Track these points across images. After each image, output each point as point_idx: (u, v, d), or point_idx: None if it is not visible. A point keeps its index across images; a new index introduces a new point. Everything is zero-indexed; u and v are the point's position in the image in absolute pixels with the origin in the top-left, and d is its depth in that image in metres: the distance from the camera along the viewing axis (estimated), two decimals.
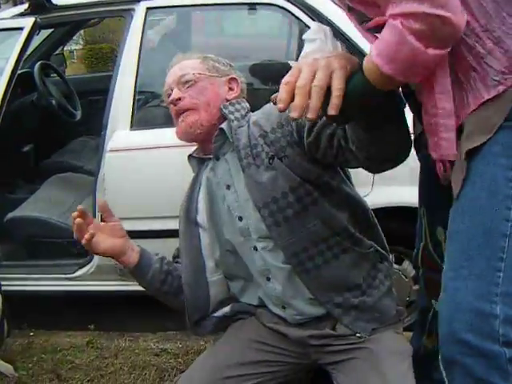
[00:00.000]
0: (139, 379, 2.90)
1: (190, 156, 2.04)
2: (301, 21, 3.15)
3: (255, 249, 1.89)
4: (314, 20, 3.08)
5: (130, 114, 3.16)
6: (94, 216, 3.27)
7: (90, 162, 4.15)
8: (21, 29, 2.95)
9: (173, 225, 2.92)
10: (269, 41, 4.68)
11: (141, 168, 3.08)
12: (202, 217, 1.99)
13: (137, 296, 3.39)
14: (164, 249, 3.12)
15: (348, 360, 1.86)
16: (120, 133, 3.16)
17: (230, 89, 2.00)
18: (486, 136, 1.27)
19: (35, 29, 2.97)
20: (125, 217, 3.15)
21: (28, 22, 2.97)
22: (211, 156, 1.95)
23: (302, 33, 3.15)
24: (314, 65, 1.25)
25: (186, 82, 1.93)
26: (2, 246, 3.61)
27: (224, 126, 1.90)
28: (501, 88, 1.29)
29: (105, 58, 13.04)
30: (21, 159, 4.25)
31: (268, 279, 1.91)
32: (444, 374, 1.33)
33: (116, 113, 3.18)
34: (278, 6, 3.20)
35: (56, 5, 3.41)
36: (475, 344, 1.24)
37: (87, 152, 4.44)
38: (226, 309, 2.04)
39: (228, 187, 1.92)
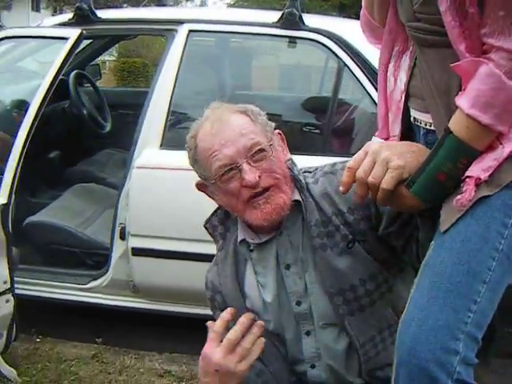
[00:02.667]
0: None
1: (242, 241, 1.71)
2: (339, 58, 3.17)
3: (307, 334, 1.70)
4: (351, 57, 3.10)
5: (161, 133, 3.18)
6: (114, 229, 3.28)
7: (113, 174, 4.18)
8: (66, 38, 2.98)
9: (191, 248, 2.96)
10: (303, 73, 4.70)
11: (166, 188, 3.09)
12: (251, 301, 1.74)
13: (147, 314, 3.40)
14: (180, 271, 3.14)
15: None
16: (149, 151, 3.18)
17: (281, 147, 1.72)
18: (494, 190, 1.31)
19: (80, 40, 3.01)
20: (144, 234, 3.18)
21: (74, 33, 3.00)
22: (267, 237, 1.68)
23: (339, 69, 3.18)
24: (375, 155, 1.37)
25: (259, 154, 1.60)
26: (18, 248, 3.61)
27: (297, 196, 1.66)
28: None
29: (136, 73, 13.15)
30: (46, 164, 4.26)
31: (313, 367, 1.73)
32: None
33: (147, 130, 3.20)
34: (317, 42, 3.22)
35: (100, 17, 3.46)
36: (434, 375, 1.27)
37: (112, 165, 4.48)
38: None
39: (287, 267, 1.68)
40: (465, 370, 1.28)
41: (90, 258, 3.65)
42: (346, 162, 1.64)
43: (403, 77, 1.58)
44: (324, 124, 3.43)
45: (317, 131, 3.61)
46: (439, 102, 1.40)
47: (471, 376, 1.31)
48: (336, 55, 3.19)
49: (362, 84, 3.11)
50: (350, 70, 3.14)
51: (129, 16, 3.63)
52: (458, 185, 1.33)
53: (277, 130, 1.73)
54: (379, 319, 1.68)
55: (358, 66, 3.11)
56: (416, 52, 1.49)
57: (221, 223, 1.79)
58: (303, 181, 1.68)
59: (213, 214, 1.80)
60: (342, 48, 3.15)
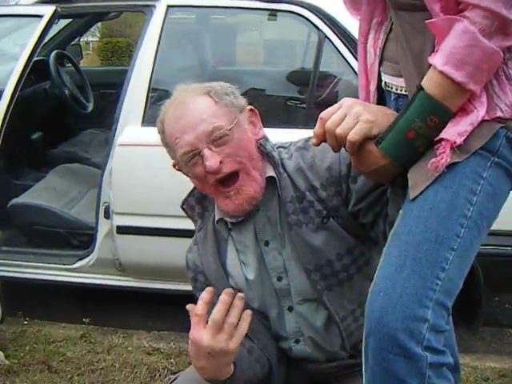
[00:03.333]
0: (130, 377, 2.87)
1: (219, 221, 1.70)
2: (320, 30, 3.14)
3: (290, 309, 1.71)
4: (332, 29, 3.08)
5: (143, 110, 3.16)
6: (98, 209, 3.27)
7: (97, 154, 4.16)
8: (40, 16, 2.95)
9: (176, 224, 2.94)
10: (286, 47, 4.68)
11: (149, 165, 3.07)
12: (234, 280, 1.73)
13: (133, 292, 3.40)
14: (165, 247, 3.14)
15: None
16: (131, 128, 3.15)
17: (253, 124, 1.68)
18: (463, 157, 1.29)
19: (55, 17, 2.97)
20: (129, 212, 3.17)
21: (48, 11, 2.96)
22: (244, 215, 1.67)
23: (320, 42, 3.15)
24: (348, 109, 1.34)
25: (220, 139, 1.57)
26: (3, 231, 3.60)
27: (272, 173, 1.64)
28: (499, 114, 1.31)
29: (120, 52, 13.07)
30: (29, 146, 4.24)
31: (297, 342, 1.74)
32: (363, 361, 1.36)
33: (128, 108, 3.18)
34: (298, 14, 3.19)
35: None
36: (403, 344, 1.26)
37: (95, 144, 4.45)
38: None
39: (266, 243, 1.68)
40: (434, 337, 1.28)
41: (75, 238, 3.64)
42: None
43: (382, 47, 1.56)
44: (307, 97, 3.41)
45: (301, 105, 3.60)
46: (412, 64, 1.37)
47: (441, 343, 1.31)
48: (317, 27, 3.16)
49: (343, 56, 3.10)
50: (332, 43, 3.12)
51: None
52: (428, 147, 1.31)
53: (249, 107, 1.68)
54: (358, 293, 1.68)
55: (339, 38, 3.09)
56: (392, 16, 1.47)
57: (198, 203, 1.77)
58: (277, 157, 1.66)
59: (189, 195, 1.78)
60: (322, 20, 3.13)
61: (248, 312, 1.55)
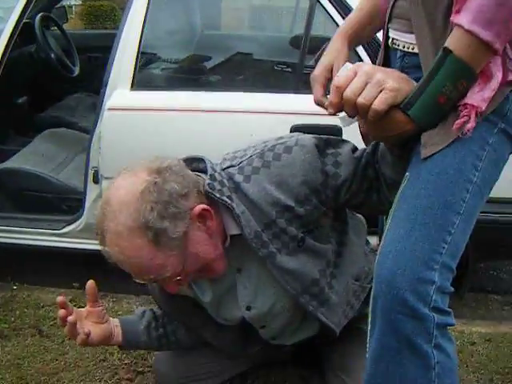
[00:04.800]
0: None
1: None
2: None
3: (263, 327, 1.78)
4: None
5: (132, 73, 3.11)
6: (87, 173, 3.25)
7: (84, 118, 4.14)
8: None
9: None
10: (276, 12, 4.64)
11: (138, 129, 3.05)
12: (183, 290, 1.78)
13: None
14: None
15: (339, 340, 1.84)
16: (120, 92, 3.12)
17: (205, 220, 1.54)
18: (478, 121, 1.29)
19: None
20: None
21: None
22: None
23: (311, 6, 3.12)
24: (369, 76, 1.28)
25: (165, 280, 1.57)
26: None
27: (234, 229, 1.57)
28: (510, 78, 1.30)
29: (104, 16, 12.87)
30: (15, 110, 4.19)
31: (278, 347, 1.84)
32: (369, 320, 1.40)
33: (117, 72, 3.13)
34: None
35: None
36: (411, 304, 1.30)
37: (82, 109, 4.41)
38: None
39: (239, 271, 1.68)
40: (441, 299, 1.32)
41: (63, 203, 3.61)
42: (276, 146, 1.58)
43: None
44: (298, 62, 3.38)
45: (287, 69, 3.57)
46: (425, 20, 1.35)
47: (447, 304, 1.34)
48: None
49: (334, 20, 3.07)
50: (323, 7, 3.09)
51: None
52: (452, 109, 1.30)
53: (199, 207, 1.52)
54: (344, 295, 1.72)
55: (330, 1, 3.06)
56: None
57: None
58: (228, 201, 1.54)
59: None
60: None
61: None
